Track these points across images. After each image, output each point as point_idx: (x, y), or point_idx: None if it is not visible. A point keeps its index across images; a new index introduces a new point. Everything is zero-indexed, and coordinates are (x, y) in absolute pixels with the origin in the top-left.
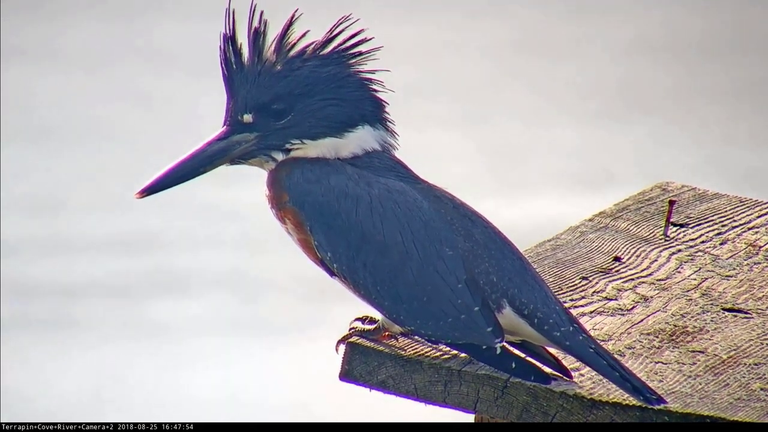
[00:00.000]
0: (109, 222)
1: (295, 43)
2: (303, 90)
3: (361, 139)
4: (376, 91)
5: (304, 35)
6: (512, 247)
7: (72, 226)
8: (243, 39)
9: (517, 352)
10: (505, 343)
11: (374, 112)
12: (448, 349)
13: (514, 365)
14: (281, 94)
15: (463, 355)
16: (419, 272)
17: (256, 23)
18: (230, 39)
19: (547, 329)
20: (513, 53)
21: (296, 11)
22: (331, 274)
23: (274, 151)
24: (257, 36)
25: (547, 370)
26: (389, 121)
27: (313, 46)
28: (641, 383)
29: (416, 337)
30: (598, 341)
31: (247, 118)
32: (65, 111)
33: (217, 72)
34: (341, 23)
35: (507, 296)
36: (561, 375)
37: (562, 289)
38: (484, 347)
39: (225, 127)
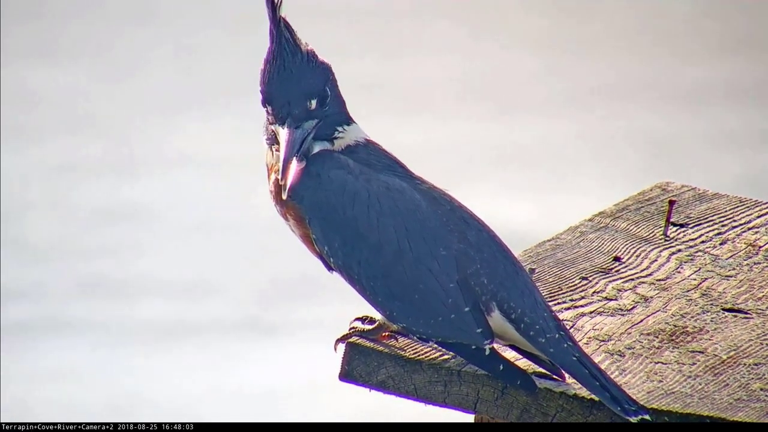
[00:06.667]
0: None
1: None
2: (328, 78)
3: (356, 128)
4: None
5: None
6: (507, 252)
7: (71, 225)
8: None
9: (508, 355)
10: (495, 345)
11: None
12: (444, 349)
13: (501, 367)
14: (323, 80)
15: None
16: (412, 271)
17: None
18: (284, 24)
19: (533, 335)
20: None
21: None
22: (329, 268)
23: (323, 141)
24: (291, 31)
25: (540, 370)
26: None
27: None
28: (622, 394)
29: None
30: (597, 342)
31: (314, 103)
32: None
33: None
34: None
35: (496, 299)
36: (556, 377)
37: (562, 289)
38: (473, 347)
39: (288, 119)
